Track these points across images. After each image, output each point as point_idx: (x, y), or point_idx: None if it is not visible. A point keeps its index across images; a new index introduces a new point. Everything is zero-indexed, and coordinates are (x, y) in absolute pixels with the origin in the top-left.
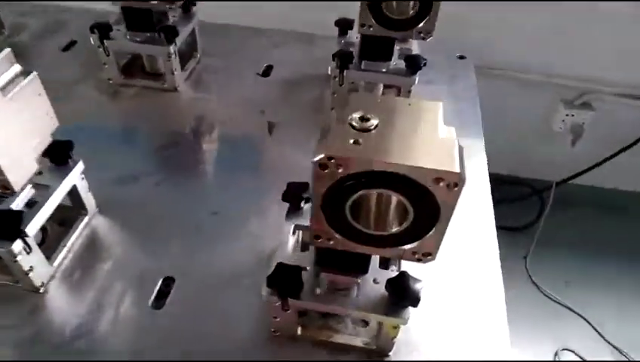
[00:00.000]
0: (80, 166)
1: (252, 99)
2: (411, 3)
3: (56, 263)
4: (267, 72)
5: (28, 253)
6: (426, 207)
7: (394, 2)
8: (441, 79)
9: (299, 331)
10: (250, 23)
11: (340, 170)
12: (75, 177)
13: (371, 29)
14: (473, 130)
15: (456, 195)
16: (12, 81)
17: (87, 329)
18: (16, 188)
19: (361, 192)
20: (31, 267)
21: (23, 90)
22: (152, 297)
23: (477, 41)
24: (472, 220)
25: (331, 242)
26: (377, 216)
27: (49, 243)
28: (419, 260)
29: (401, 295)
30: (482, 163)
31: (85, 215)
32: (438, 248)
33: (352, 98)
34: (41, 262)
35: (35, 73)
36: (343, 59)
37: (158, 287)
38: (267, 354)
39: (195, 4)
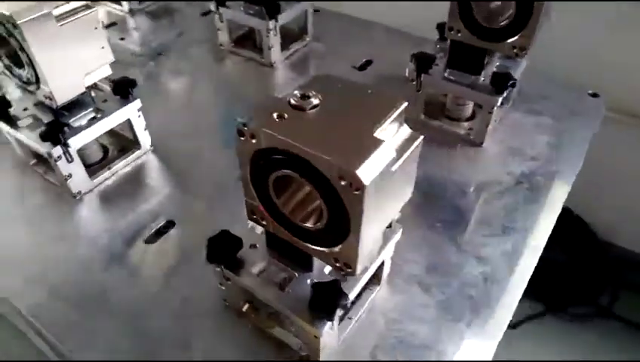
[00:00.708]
0: (137, 103)
1: None
2: (505, 10)
3: (96, 180)
4: (364, 66)
5: (69, 162)
6: (337, 207)
7: (486, 6)
8: (553, 112)
9: (244, 308)
10: (368, 15)
11: (253, 141)
12: (131, 112)
13: (459, 34)
14: (564, 174)
15: (359, 200)
16: (71, 13)
17: (90, 239)
18: (59, 102)
19: (278, 173)
20: (70, 174)
21: (77, 22)
22: (150, 233)
23: (610, 81)
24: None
25: (264, 222)
26: (298, 205)
27: (105, 163)
28: (340, 270)
29: (317, 303)
30: (553, 210)
31: (138, 149)
32: (356, 261)
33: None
34: (80, 173)
35: (94, 9)
36: (421, 62)
37: (157, 227)
38: (210, 321)
39: None
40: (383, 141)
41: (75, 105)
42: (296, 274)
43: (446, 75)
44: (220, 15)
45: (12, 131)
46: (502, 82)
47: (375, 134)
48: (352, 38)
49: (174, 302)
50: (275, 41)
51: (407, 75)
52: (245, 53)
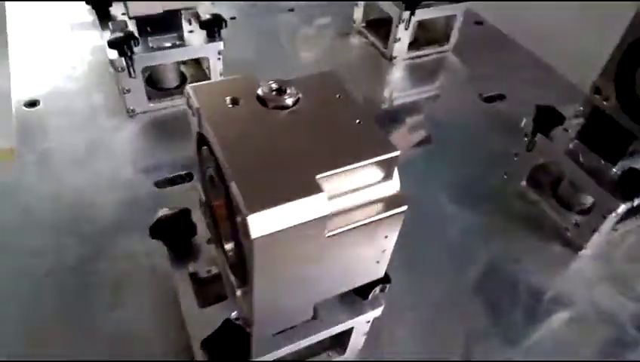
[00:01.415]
0: (218, 45)
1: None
2: None
3: (153, 105)
4: (493, 98)
5: (131, 76)
6: (239, 245)
7: None
8: None
9: None
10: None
11: (193, 118)
12: (210, 51)
13: (606, 102)
14: None
15: (249, 250)
16: None
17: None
18: (131, 14)
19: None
20: (129, 89)
21: None
22: (162, 178)
23: None
24: None
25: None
26: (224, 217)
27: (174, 92)
28: (241, 319)
29: (211, 343)
30: None
31: None
32: (251, 316)
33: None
34: (139, 92)
35: None
36: (541, 118)
37: (172, 175)
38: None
39: None
40: (321, 192)
41: (160, 26)
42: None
43: (571, 146)
44: None
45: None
46: (635, 184)
47: (319, 177)
48: (496, 62)
49: None
50: (404, 35)
51: (522, 125)
52: (371, 37)
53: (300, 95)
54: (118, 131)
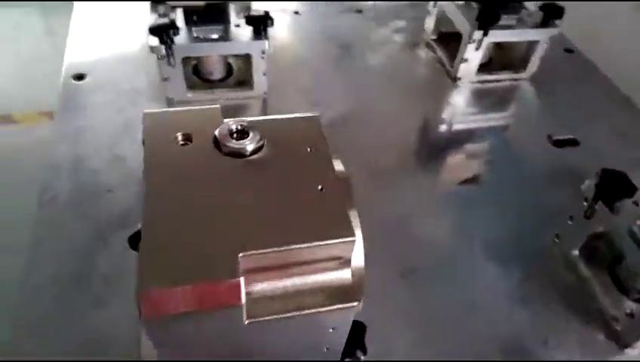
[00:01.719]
0: (262, 43)
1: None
2: None
3: (192, 95)
4: (563, 143)
5: (169, 64)
6: None
7: None
8: None
9: None
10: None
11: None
12: (254, 49)
13: None
14: None
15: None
16: None
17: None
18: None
19: None
20: (167, 77)
21: None
22: None
23: None
24: None
25: None
26: None
27: (216, 85)
28: None
29: None
30: None
31: (249, 89)
32: None
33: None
34: (178, 81)
35: None
36: (604, 186)
37: None
38: None
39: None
40: (236, 277)
41: (206, 17)
42: None
43: (638, 225)
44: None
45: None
46: None
47: (242, 256)
48: (577, 99)
49: None
50: (473, 55)
51: (582, 188)
52: (439, 51)
53: (264, 141)
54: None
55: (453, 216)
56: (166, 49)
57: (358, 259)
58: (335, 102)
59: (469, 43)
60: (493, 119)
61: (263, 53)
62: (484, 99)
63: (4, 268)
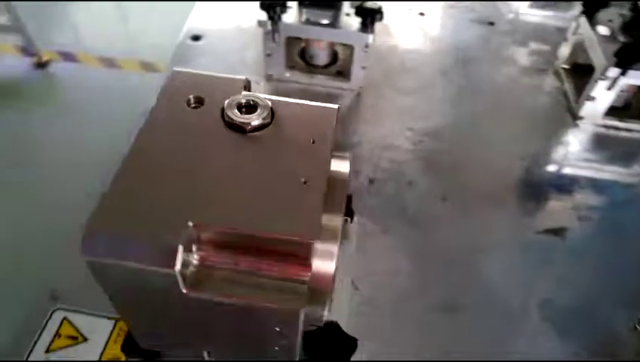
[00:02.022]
0: (365, 37)
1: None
2: None
3: (288, 75)
4: None
5: (274, 40)
6: None
7: None
8: None
9: None
10: None
11: None
12: (357, 40)
13: None
14: None
15: None
16: None
17: None
18: None
19: None
20: (269, 54)
21: None
22: None
23: None
24: None
25: None
26: None
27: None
28: None
29: None
30: None
31: (345, 81)
32: None
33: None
34: (278, 58)
35: None
36: None
37: None
38: None
39: None
40: (175, 243)
41: (321, 1)
42: None
43: None
44: (576, 26)
45: None
46: None
47: (192, 225)
48: None
49: None
50: (603, 95)
51: None
52: (566, 83)
53: (269, 121)
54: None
55: (524, 262)
56: (272, 25)
57: (326, 266)
58: (432, 115)
59: (601, 79)
60: (610, 172)
61: (366, 46)
62: (606, 147)
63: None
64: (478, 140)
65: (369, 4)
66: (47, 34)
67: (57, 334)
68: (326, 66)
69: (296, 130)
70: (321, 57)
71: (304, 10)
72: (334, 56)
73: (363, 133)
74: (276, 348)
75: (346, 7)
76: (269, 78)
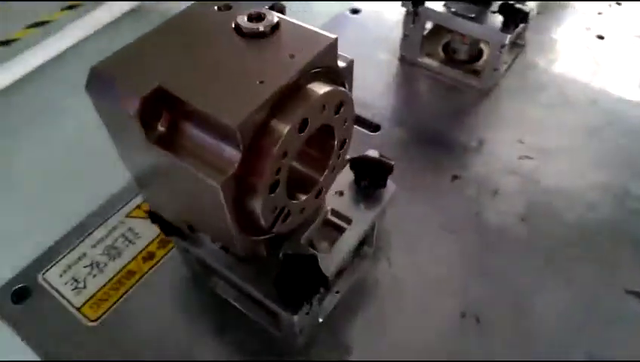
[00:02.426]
0: (502, 37)
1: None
2: None
3: (420, 60)
4: None
5: (412, 23)
6: None
7: None
8: None
9: None
10: None
11: None
12: (491, 37)
13: None
14: None
15: None
16: None
17: None
18: None
19: None
20: (407, 35)
21: None
22: None
23: None
24: None
25: None
26: None
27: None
28: None
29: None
30: None
31: (474, 78)
32: None
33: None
34: (414, 42)
35: None
36: None
37: None
38: None
39: None
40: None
41: None
42: None
43: None
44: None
45: None
46: None
47: (157, 87)
48: None
49: None
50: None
51: None
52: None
53: (267, 32)
54: (376, 66)
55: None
56: (413, 7)
57: (258, 161)
58: (556, 135)
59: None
60: None
61: (502, 47)
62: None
63: None
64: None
65: (517, 5)
66: None
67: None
68: (464, 62)
69: (286, 44)
70: (461, 52)
71: (452, 2)
72: (477, 55)
73: (480, 137)
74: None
75: (495, 6)
76: (401, 59)
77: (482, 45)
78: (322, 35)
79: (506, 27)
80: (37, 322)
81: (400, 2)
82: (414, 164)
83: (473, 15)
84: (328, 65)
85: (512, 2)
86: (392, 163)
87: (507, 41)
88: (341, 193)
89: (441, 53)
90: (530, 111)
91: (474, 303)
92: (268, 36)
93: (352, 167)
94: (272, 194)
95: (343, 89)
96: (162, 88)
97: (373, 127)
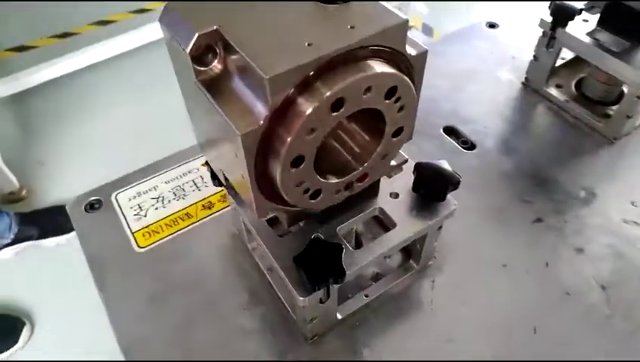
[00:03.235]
0: None
1: None
2: None
3: (543, 88)
4: None
5: (546, 46)
6: None
7: None
8: None
9: None
10: None
11: None
12: (628, 75)
13: None
14: None
15: None
16: None
17: None
18: None
19: None
20: (536, 57)
21: None
22: None
23: None
24: None
25: None
26: None
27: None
28: None
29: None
30: None
31: (604, 122)
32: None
33: None
34: (542, 65)
35: None
36: None
37: None
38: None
39: None
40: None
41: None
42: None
43: None
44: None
45: None
46: None
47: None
48: None
49: None
50: None
51: None
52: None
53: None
54: (493, 83)
55: None
56: (551, 29)
57: (288, 120)
58: None
59: None
60: None
61: None
62: None
63: None
64: None
65: None
66: None
67: None
68: (597, 102)
69: (352, 16)
70: (596, 89)
71: (600, 31)
72: (617, 99)
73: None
74: (241, 182)
75: None
76: (525, 83)
77: (625, 88)
78: (393, 14)
79: None
80: (96, 233)
81: (540, 21)
82: (500, 194)
83: (618, 50)
84: (394, 49)
85: None
86: (459, 178)
87: None
88: (397, 195)
89: (573, 88)
90: None
91: (504, 354)
92: (339, 4)
93: (414, 171)
94: (295, 169)
95: (397, 73)
96: (219, 31)
97: (469, 145)
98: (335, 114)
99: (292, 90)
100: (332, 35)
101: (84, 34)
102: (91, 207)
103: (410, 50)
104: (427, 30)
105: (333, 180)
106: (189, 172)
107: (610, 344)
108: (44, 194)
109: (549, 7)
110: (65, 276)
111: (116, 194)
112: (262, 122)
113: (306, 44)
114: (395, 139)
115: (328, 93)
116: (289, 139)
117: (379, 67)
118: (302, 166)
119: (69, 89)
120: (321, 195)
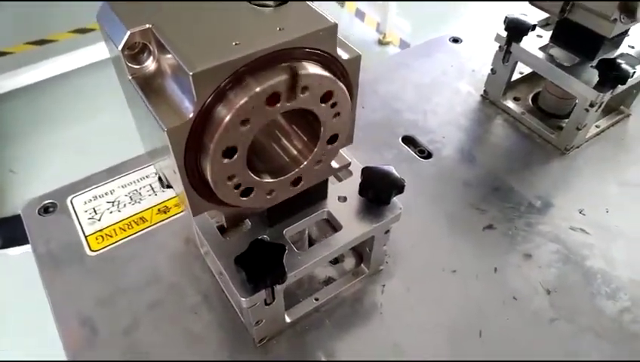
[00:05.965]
0: (591, 93)
1: None
2: None
3: (504, 103)
4: None
5: (502, 59)
6: None
7: None
8: None
9: None
10: None
11: None
12: (577, 89)
13: None
14: None
15: None
16: None
17: None
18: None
19: None
20: (494, 70)
21: None
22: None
23: None
24: None
25: None
26: None
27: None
28: None
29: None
30: None
31: (556, 135)
32: None
33: None
34: (500, 77)
35: None
36: None
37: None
38: None
39: None
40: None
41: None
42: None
43: None
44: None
45: None
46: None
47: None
48: None
49: None
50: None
51: None
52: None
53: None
54: (453, 94)
55: None
56: (506, 44)
57: (217, 114)
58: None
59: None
60: None
61: (591, 105)
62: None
63: None
64: None
65: (623, 65)
66: None
67: None
68: (551, 115)
69: (284, 18)
70: (550, 103)
71: (552, 46)
72: (569, 111)
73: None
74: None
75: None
76: (483, 95)
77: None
78: (323, 18)
79: (600, 85)
80: (48, 236)
81: (496, 35)
82: (454, 201)
83: (569, 65)
84: (326, 52)
85: (619, 61)
86: (404, 182)
87: (598, 100)
88: (344, 198)
89: (530, 101)
90: (606, 185)
91: (448, 357)
92: (272, 7)
93: (361, 175)
94: (227, 160)
95: (331, 76)
96: (151, 30)
97: (425, 154)
98: (270, 108)
99: (223, 85)
100: (260, 35)
101: (61, 41)
102: (45, 210)
103: (342, 54)
104: (404, 46)
105: (267, 179)
106: (147, 176)
107: (553, 346)
108: (15, 202)
109: (504, 22)
110: (29, 285)
111: (72, 198)
112: (190, 116)
113: (234, 43)
114: (330, 146)
115: (258, 89)
116: (221, 128)
117: (312, 69)
118: (234, 157)
119: (41, 97)
120: (253, 194)
